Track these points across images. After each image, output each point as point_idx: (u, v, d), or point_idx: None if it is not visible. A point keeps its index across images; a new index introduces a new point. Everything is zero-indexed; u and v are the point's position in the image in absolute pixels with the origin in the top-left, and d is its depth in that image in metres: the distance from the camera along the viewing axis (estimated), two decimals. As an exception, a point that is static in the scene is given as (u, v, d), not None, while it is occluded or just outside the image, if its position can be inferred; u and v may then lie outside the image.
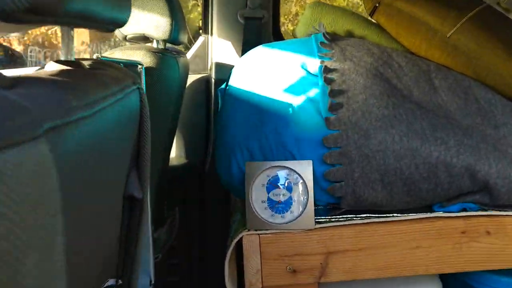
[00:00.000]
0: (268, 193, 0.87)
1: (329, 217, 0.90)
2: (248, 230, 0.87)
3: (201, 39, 1.64)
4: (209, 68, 1.63)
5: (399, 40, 1.13)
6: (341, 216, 0.89)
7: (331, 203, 0.92)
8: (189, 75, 1.63)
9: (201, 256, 1.72)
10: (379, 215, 0.89)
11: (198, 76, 1.64)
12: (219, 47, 1.59)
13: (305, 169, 0.86)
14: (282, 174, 0.87)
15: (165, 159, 1.24)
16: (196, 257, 1.71)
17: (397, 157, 0.85)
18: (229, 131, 0.96)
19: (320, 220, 0.88)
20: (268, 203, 0.87)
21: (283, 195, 0.87)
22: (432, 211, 0.90)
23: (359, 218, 0.88)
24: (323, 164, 0.88)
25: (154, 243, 1.24)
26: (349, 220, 0.88)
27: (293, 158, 0.89)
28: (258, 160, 0.91)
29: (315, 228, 0.86)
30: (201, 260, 1.71)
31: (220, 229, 1.37)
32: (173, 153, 1.70)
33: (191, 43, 1.74)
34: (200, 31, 1.70)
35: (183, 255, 1.68)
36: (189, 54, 1.64)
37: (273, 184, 0.87)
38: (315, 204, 0.88)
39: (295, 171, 0.86)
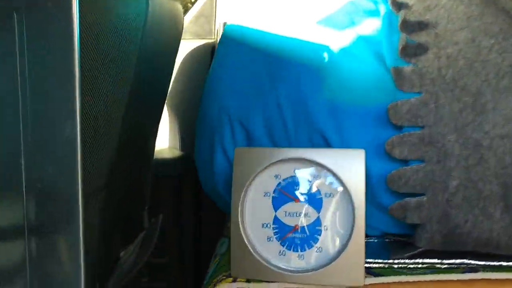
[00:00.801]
0: (276, 209, 0.45)
1: (391, 261, 0.47)
2: (234, 280, 0.45)
3: (207, -8, 1.23)
4: (215, 31, 1.22)
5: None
6: (413, 262, 0.46)
7: (394, 234, 0.50)
8: (190, 40, 1.23)
9: (196, 277, 1.31)
10: (491, 264, 0.46)
11: (203, 42, 1.24)
12: (229, 2, 1.18)
13: (351, 166, 0.44)
14: (304, 174, 0.45)
15: (126, 154, 0.83)
16: (190, 278, 1.30)
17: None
18: (215, 93, 0.54)
19: (373, 267, 0.46)
20: (275, 228, 0.45)
21: (306, 215, 0.45)
22: None
23: (449, 267, 0.45)
24: (385, 157, 0.45)
25: (109, 274, 0.84)
26: (432, 271, 0.45)
27: (327, 143, 0.47)
28: (260, 144, 0.50)
29: (368, 285, 0.43)
30: (196, 283, 1.31)
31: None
32: (165, 143, 1.30)
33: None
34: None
35: (172, 277, 1.27)
36: (191, 14, 1.24)
37: (286, 192, 0.45)
38: (366, 236, 0.46)
39: (330, 169, 0.44)
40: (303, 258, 0.44)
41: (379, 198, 0.46)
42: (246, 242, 0.45)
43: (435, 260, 0.46)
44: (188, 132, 1.24)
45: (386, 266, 0.47)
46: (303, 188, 0.45)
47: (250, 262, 0.45)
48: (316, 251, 0.44)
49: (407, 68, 0.45)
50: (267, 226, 0.45)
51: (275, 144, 0.49)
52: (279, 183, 0.45)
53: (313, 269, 0.44)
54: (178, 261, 1.28)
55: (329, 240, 0.44)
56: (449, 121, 0.43)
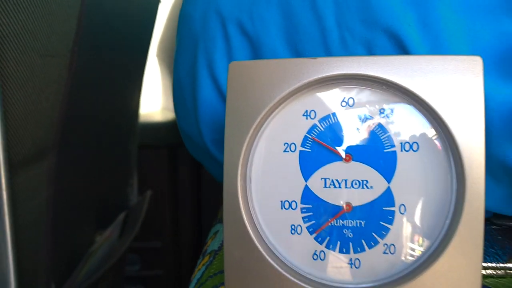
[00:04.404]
0: (308, 174, 0.24)
1: (510, 266, 0.26)
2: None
3: None
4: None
5: None
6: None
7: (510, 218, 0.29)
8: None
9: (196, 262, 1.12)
10: None
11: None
12: None
13: (456, 88, 0.22)
14: (363, 108, 0.24)
15: (86, 111, 0.62)
16: (190, 263, 1.12)
17: None
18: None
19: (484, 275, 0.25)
20: (305, 210, 0.24)
21: (364, 186, 0.24)
22: None
23: None
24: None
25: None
26: None
27: (402, 50, 0.26)
28: (274, 58, 0.28)
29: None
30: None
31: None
32: (156, 104, 1.09)
33: None
34: None
35: (169, 263, 1.08)
36: None
37: (325, 143, 0.24)
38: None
39: (415, 96, 0.22)
40: (358, 266, 0.24)
41: (503, 151, 0.24)
42: (252, 235, 0.24)
43: None
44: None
45: (501, 272, 0.26)
46: (358, 136, 0.24)
47: (259, 270, 0.24)
48: (384, 253, 0.23)
49: None
50: (290, 206, 0.24)
51: (298, 51, 0.28)
52: (314, 126, 0.24)
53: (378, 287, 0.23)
54: (175, 245, 1.09)
55: (409, 233, 0.23)
56: None
